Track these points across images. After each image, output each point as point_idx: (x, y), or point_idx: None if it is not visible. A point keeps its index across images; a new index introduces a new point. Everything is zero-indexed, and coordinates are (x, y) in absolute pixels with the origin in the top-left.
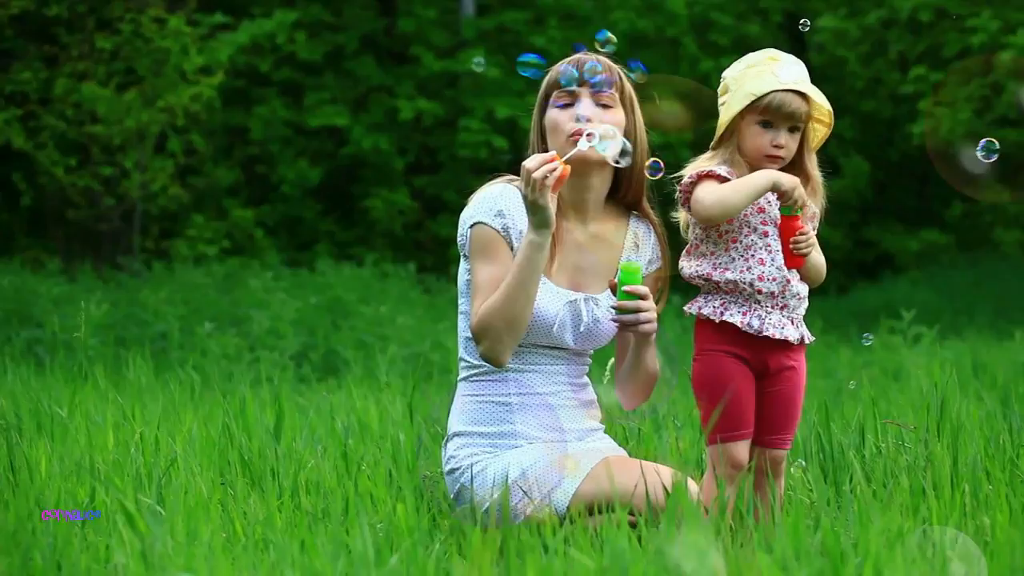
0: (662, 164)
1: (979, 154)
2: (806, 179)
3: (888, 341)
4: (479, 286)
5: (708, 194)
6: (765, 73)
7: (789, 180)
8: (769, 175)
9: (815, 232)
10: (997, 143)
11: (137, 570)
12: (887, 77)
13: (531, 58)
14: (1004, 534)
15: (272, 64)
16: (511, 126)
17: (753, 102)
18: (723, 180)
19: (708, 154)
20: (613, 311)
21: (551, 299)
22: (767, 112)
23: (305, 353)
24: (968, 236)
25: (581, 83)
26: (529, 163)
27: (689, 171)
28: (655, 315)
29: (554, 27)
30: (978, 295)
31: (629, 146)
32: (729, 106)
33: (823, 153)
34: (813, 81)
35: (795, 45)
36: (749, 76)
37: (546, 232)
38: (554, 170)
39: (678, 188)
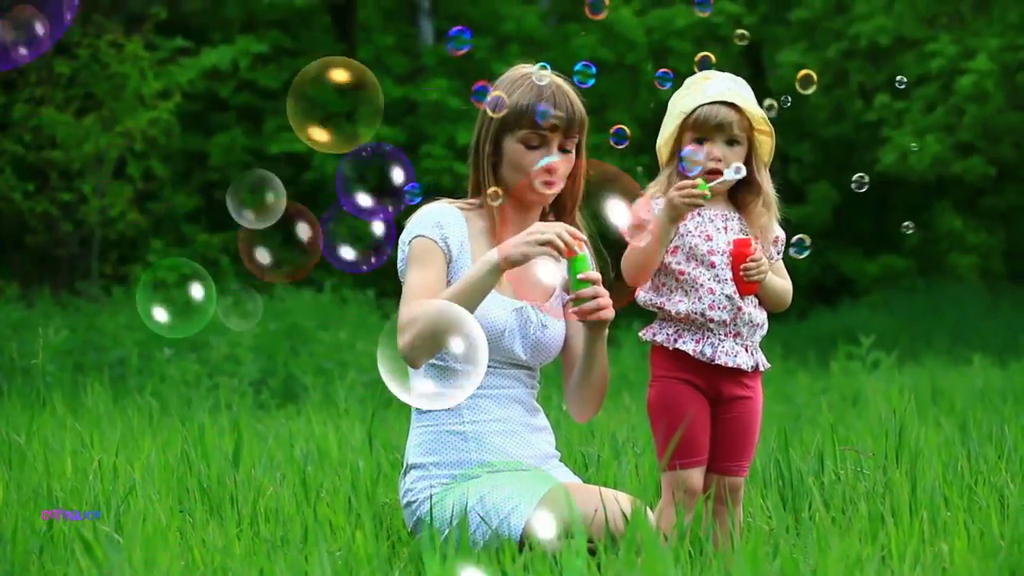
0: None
1: (791, 251)
2: (758, 193)
3: (847, 367)
4: (410, 288)
5: (624, 260)
6: (694, 91)
7: (671, 195)
8: (662, 213)
9: (780, 255)
10: (808, 240)
11: None
12: (849, 106)
13: (415, 188)
14: (963, 560)
15: (231, 90)
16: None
17: (684, 120)
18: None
19: (653, 184)
20: (572, 304)
21: (498, 307)
22: (697, 127)
23: (264, 379)
24: (926, 262)
25: (554, 128)
26: (565, 231)
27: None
28: (610, 300)
29: (515, 54)
30: (936, 321)
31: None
32: (664, 129)
33: (786, 179)
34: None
35: (754, 72)
36: (680, 97)
37: (503, 269)
38: (575, 248)
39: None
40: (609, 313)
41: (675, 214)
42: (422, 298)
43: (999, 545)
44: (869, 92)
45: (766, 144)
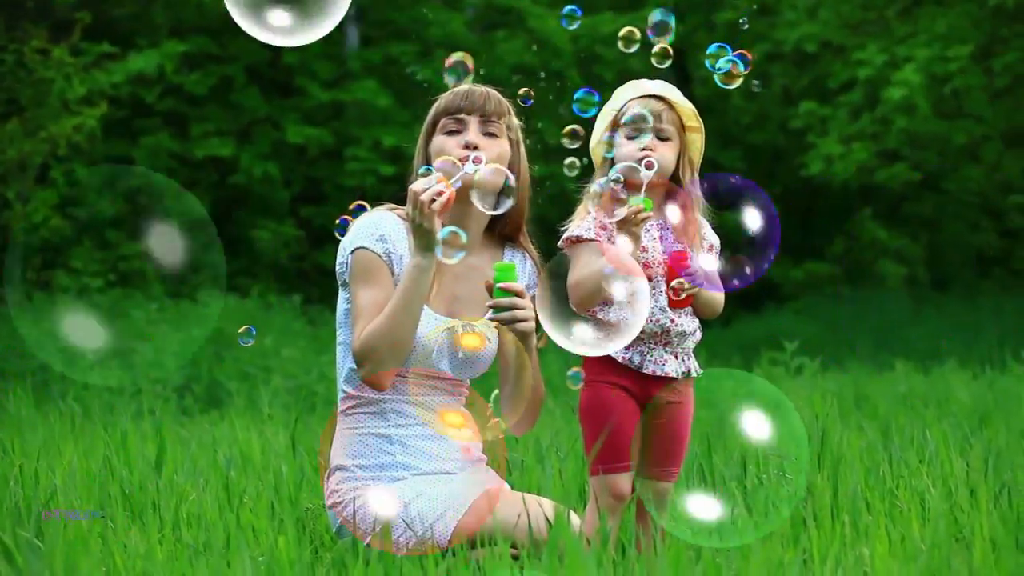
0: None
1: (567, 382)
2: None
3: (771, 372)
4: (361, 310)
5: (578, 287)
6: (625, 90)
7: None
8: (596, 265)
9: (717, 265)
10: (583, 374)
11: None
12: (774, 112)
13: (251, 331)
14: (883, 564)
15: (157, 95)
16: (398, 155)
17: (615, 117)
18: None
19: (588, 200)
20: (491, 310)
21: (429, 325)
22: (627, 122)
23: (188, 385)
24: (850, 269)
25: (469, 111)
26: (416, 186)
27: (568, 231)
28: (532, 313)
29: (440, 59)
30: (860, 327)
31: (512, 180)
32: (596, 129)
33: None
34: (699, 113)
35: (679, 78)
36: (611, 99)
37: (431, 256)
38: (441, 193)
39: (561, 245)
40: (526, 325)
41: (632, 238)
42: (374, 318)
43: (920, 549)
44: (794, 97)
45: (696, 143)
